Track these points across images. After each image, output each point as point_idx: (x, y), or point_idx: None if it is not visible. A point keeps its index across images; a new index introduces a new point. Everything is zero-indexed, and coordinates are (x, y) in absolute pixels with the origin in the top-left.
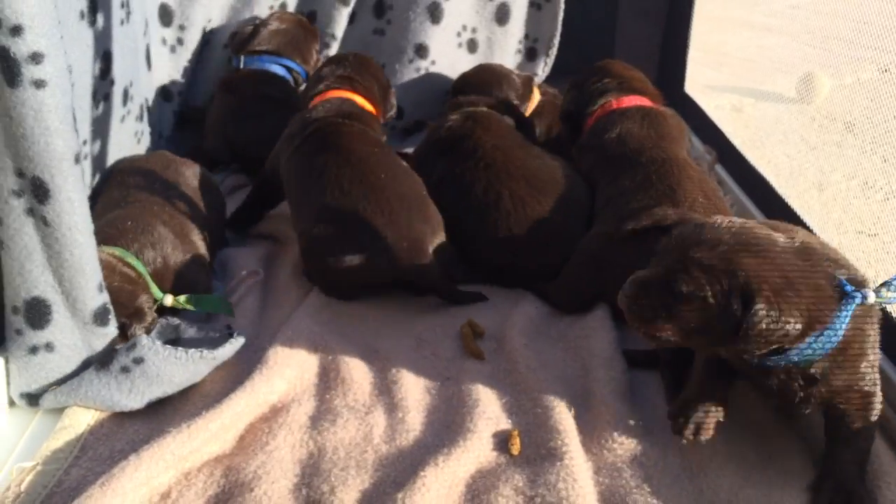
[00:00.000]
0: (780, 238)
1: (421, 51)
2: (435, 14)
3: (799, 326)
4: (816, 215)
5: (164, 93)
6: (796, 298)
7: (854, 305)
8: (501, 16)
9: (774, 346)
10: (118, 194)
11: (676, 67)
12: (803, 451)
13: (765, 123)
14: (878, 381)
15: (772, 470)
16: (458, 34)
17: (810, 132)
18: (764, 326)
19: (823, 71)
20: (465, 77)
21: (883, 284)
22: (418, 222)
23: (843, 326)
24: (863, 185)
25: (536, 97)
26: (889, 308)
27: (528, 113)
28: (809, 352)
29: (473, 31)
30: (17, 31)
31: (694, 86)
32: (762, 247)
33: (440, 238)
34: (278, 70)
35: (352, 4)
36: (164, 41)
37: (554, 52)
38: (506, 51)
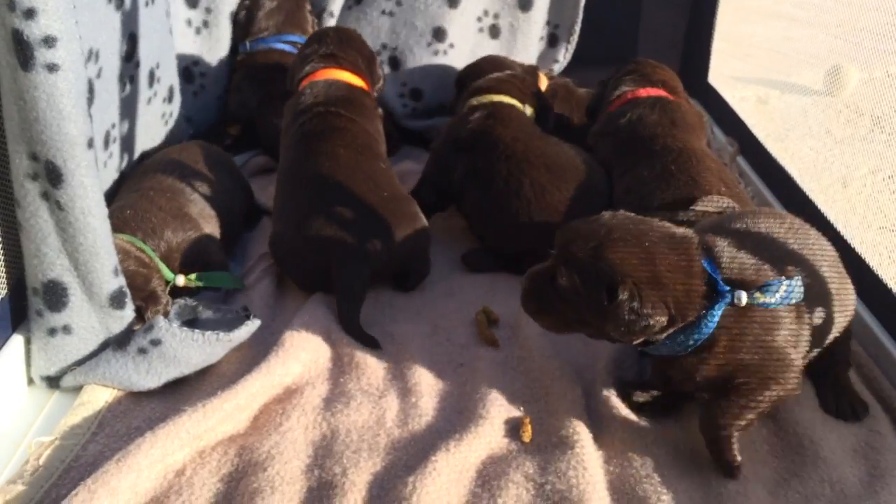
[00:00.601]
0: (668, 230)
1: (439, 34)
2: None
3: (663, 319)
4: (840, 211)
5: (187, 74)
6: (660, 291)
7: (724, 305)
8: (525, 2)
9: (643, 337)
10: (133, 182)
11: (700, 57)
12: (813, 449)
13: (790, 116)
14: (783, 367)
15: (781, 465)
16: (479, 19)
17: (837, 126)
18: (626, 317)
19: (852, 63)
20: (468, 69)
21: (761, 287)
22: (336, 229)
23: (712, 324)
24: (888, 180)
25: (543, 82)
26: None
27: None
28: (676, 346)
29: (496, 16)
30: (30, 14)
31: (719, 77)
32: (632, 240)
33: (381, 249)
34: (283, 47)
35: None
36: (189, 22)
37: (575, 38)
38: (529, 37)
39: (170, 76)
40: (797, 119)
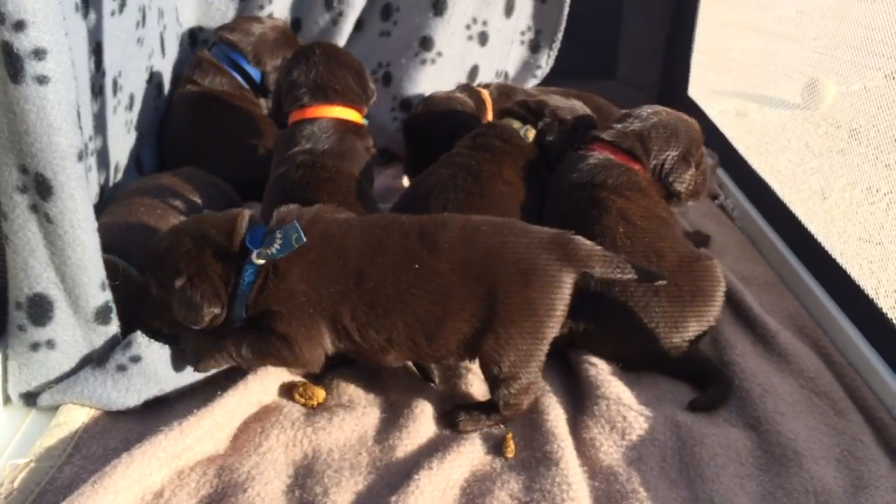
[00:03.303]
0: (224, 219)
1: (425, 43)
2: (437, 6)
3: (216, 309)
4: (821, 222)
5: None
6: (209, 282)
7: (252, 267)
8: (509, 7)
9: (209, 323)
10: (122, 199)
11: (680, 70)
12: (797, 460)
13: (769, 129)
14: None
15: (766, 479)
16: (468, 27)
17: (815, 139)
18: (182, 306)
19: (830, 77)
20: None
21: (265, 244)
22: None
23: (246, 286)
24: (866, 192)
25: (488, 101)
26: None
27: (489, 115)
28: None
29: (484, 23)
30: (20, 26)
31: (699, 90)
32: (189, 240)
33: None
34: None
35: (337, 9)
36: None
37: (557, 45)
38: (510, 40)
39: (131, 84)
40: (776, 132)
